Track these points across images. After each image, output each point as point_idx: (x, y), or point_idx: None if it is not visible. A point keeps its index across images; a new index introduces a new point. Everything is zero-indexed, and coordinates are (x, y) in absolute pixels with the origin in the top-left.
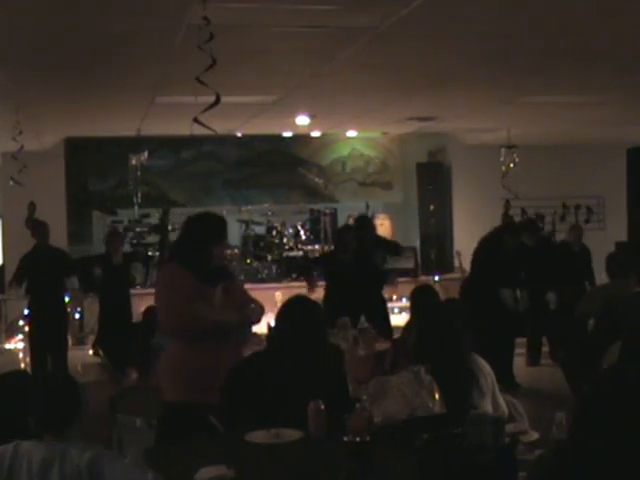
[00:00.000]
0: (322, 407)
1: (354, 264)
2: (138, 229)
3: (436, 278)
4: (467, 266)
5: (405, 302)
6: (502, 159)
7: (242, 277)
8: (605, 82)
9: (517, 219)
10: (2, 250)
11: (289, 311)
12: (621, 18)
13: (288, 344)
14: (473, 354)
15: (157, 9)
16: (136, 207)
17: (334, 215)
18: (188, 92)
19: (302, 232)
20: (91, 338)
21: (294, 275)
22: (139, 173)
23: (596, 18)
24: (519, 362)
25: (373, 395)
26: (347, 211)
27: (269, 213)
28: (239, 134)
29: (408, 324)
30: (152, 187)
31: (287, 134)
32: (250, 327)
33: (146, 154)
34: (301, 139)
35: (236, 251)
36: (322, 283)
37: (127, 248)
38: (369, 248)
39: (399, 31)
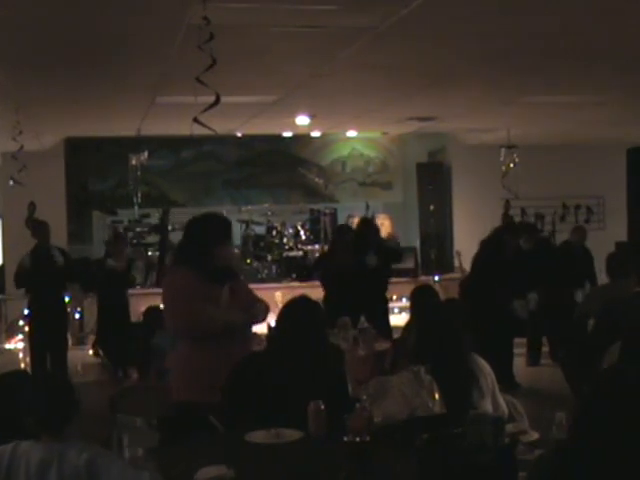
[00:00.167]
0: (322, 407)
1: (356, 265)
2: (138, 229)
3: (436, 278)
4: (467, 266)
5: (405, 302)
6: (502, 159)
7: (242, 277)
8: (605, 82)
9: (517, 219)
10: (2, 250)
11: (289, 311)
12: (621, 18)
13: (288, 344)
14: (473, 354)
15: (157, 9)
16: (136, 207)
17: (334, 215)
18: (188, 92)
19: (302, 232)
20: (91, 338)
21: (294, 275)
22: (139, 173)
23: (596, 18)
24: (519, 362)
25: (373, 395)
26: (347, 211)
27: (269, 213)
28: (239, 134)
29: (408, 324)
30: (152, 187)
31: (287, 134)
32: (250, 327)
33: (146, 154)
34: (301, 139)
35: (236, 251)
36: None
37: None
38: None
39: (399, 31)
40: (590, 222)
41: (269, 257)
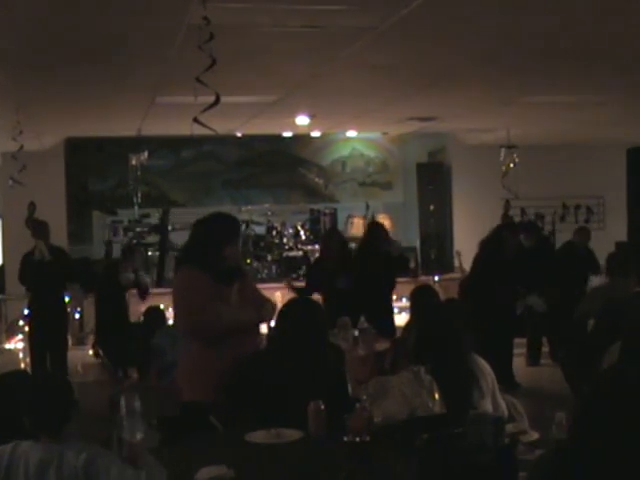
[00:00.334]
0: (322, 407)
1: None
2: (138, 229)
3: (436, 278)
4: (467, 266)
5: (405, 302)
6: (502, 159)
7: (249, 276)
8: (605, 82)
9: (517, 219)
10: (2, 250)
11: (289, 311)
12: (621, 18)
13: (288, 344)
14: (473, 354)
15: (157, 9)
16: (136, 207)
17: (334, 215)
18: (188, 92)
19: (302, 232)
20: (91, 338)
21: (294, 275)
22: (139, 173)
23: (596, 18)
24: (519, 362)
25: (373, 395)
26: (347, 211)
27: (269, 213)
28: (239, 134)
29: (408, 324)
30: (152, 187)
31: (287, 134)
32: (259, 327)
33: (146, 154)
34: (301, 139)
35: None
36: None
37: None
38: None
39: (399, 31)
40: (590, 222)
41: (269, 257)
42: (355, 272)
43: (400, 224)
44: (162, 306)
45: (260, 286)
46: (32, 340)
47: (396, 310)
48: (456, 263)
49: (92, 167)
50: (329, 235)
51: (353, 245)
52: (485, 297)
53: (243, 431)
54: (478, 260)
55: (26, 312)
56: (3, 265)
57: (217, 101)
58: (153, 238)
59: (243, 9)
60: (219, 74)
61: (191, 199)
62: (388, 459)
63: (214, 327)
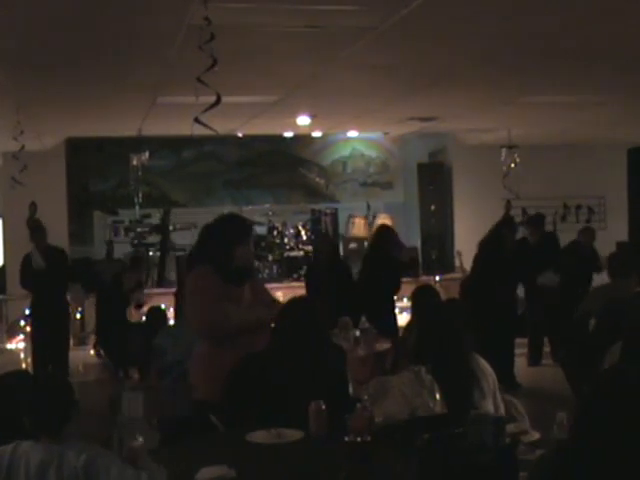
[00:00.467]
0: (323, 407)
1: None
2: (139, 229)
3: (437, 278)
4: (468, 266)
5: (406, 302)
6: (503, 159)
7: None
8: (605, 82)
9: (518, 219)
10: (3, 250)
11: (289, 311)
12: (621, 18)
13: (288, 344)
14: (474, 354)
15: (158, 9)
16: (137, 207)
17: (335, 215)
18: (189, 92)
19: (303, 232)
20: (92, 338)
21: (295, 275)
22: (140, 173)
23: (596, 18)
24: (520, 362)
25: (374, 395)
26: (348, 211)
27: (270, 213)
28: (240, 134)
29: (409, 324)
30: (153, 187)
31: (288, 134)
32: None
33: (147, 154)
34: (302, 139)
35: None
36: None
37: (128, 248)
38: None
39: (399, 31)
40: (591, 222)
41: (270, 257)
42: (365, 273)
43: (401, 224)
44: (163, 306)
45: None
46: (34, 340)
47: (397, 310)
48: (457, 263)
49: (93, 167)
50: (320, 239)
51: (354, 245)
52: (486, 297)
53: (244, 431)
54: (478, 259)
55: (27, 312)
56: (4, 265)
57: (218, 101)
58: (154, 238)
59: (244, 9)
60: (220, 74)
61: (192, 199)
62: (389, 459)
63: (223, 327)
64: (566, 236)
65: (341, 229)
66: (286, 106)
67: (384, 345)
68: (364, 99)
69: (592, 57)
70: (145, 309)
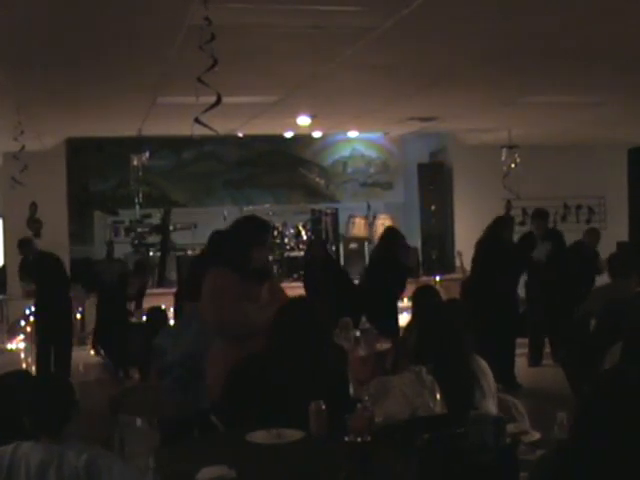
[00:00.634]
0: (323, 407)
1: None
2: (139, 229)
3: (437, 278)
4: (468, 266)
5: (406, 302)
6: (503, 159)
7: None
8: (605, 82)
9: (518, 220)
10: (3, 250)
11: (289, 311)
12: (621, 18)
13: (288, 344)
14: (475, 355)
15: (158, 9)
16: (137, 207)
17: (335, 215)
18: (189, 92)
19: (303, 232)
20: (90, 338)
21: (295, 275)
22: (140, 173)
23: (596, 18)
24: (521, 362)
25: (374, 395)
26: (348, 211)
27: (270, 213)
28: (240, 134)
29: (409, 324)
30: (153, 187)
31: (288, 134)
32: None
33: (147, 154)
34: (302, 140)
35: None
36: None
37: (128, 248)
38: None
39: (399, 31)
40: (591, 222)
41: (270, 257)
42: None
43: (401, 224)
44: (163, 306)
45: None
46: (37, 339)
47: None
48: (457, 263)
49: (93, 167)
50: (312, 242)
51: (354, 245)
52: (486, 296)
53: (244, 431)
54: (477, 255)
55: (28, 312)
56: (4, 265)
57: (218, 101)
58: (154, 238)
59: (244, 9)
60: (220, 74)
61: (192, 199)
62: (389, 459)
63: (240, 325)
64: (566, 236)
65: (341, 229)
66: (286, 106)
67: (384, 345)
68: (364, 99)
69: (592, 57)
70: (145, 309)
